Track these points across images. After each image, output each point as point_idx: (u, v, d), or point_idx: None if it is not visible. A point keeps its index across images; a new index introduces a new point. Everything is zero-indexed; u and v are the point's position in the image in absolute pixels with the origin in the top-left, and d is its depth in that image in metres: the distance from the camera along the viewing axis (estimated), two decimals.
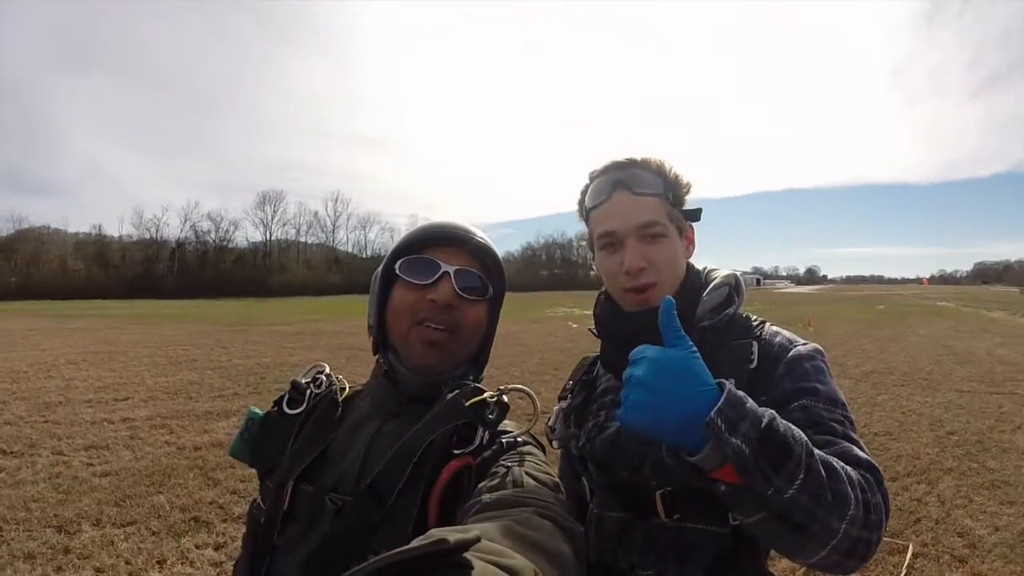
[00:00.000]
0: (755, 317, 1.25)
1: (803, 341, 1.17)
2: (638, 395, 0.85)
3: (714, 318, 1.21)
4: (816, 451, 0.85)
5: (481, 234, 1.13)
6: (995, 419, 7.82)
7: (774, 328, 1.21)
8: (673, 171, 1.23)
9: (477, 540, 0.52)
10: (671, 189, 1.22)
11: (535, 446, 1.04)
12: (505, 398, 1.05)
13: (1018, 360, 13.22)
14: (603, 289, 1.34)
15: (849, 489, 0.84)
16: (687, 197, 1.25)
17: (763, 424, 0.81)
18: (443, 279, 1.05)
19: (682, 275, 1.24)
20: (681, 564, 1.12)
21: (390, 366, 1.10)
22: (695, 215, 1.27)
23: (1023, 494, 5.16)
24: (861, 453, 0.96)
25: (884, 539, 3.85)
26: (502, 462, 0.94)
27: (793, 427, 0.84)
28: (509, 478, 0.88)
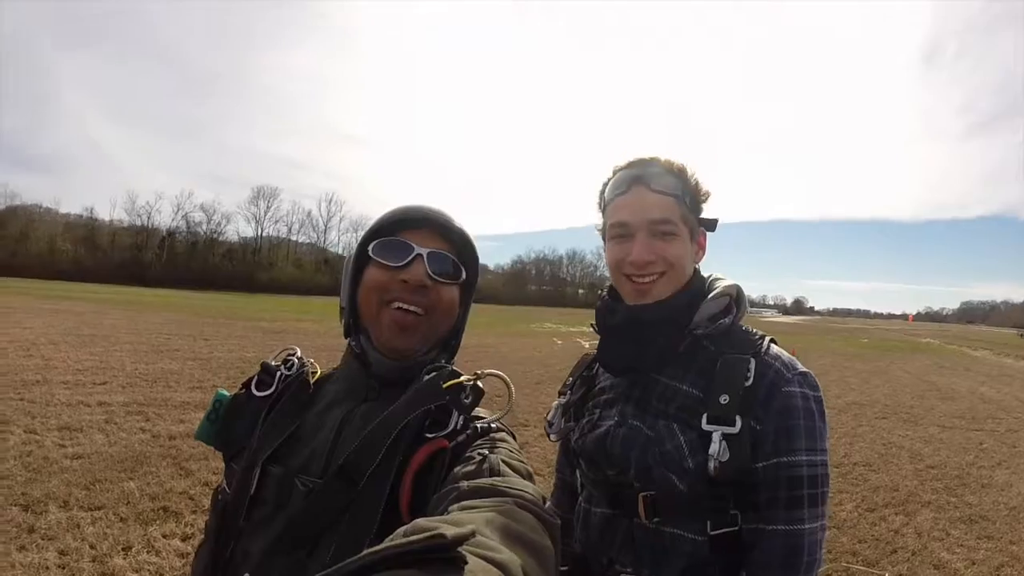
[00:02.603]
0: (757, 332, 1.24)
1: (801, 369, 1.16)
2: None
3: (709, 326, 1.21)
4: None
5: (456, 218, 1.11)
6: (975, 455, 7.86)
7: (775, 349, 1.20)
8: (694, 177, 1.24)
9: (472, 535, 0.53)
10: (689, 193, 1.23)
11: (508, 433, 1.03)
12: (480, 383, 1.04)
13: (1000, 399, 13.33)
14: (607, 285, 1.36)
15: None
16: (705, 205, 1.27)
17: None
18: (416, 261, 1.03)
19: (687, 277, 1.25)
20: (656, 565, 1.15)
21: (361, 349, 1.08)
22: (711, 224, 1.29)
23: (1001, 529, 5.18)
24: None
25: (861, 569, 3.84)
26: (476, 448, 0.93)
27: None
28: (486, 465, 0.87)
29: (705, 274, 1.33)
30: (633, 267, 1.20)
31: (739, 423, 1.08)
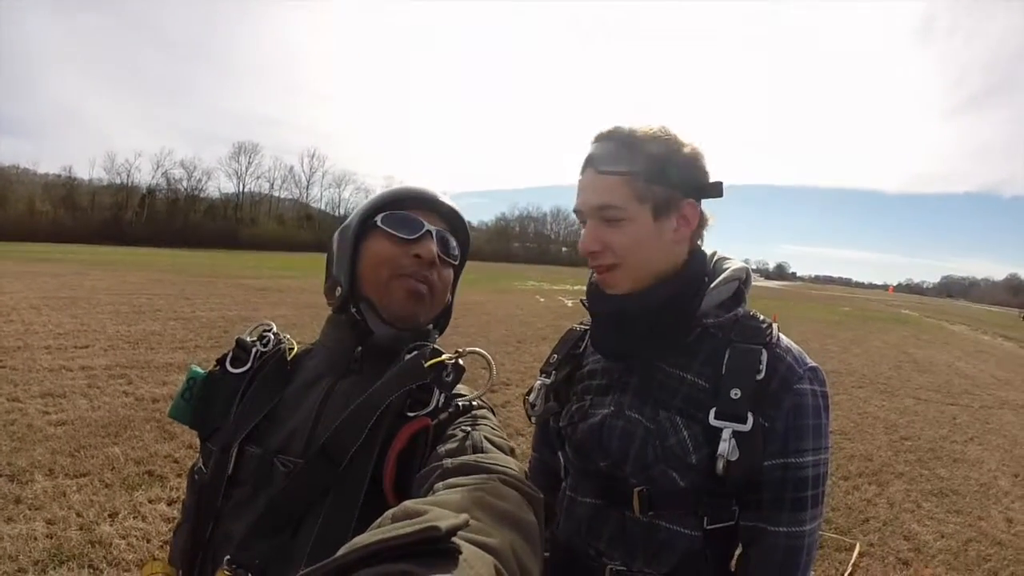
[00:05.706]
0: (762, 317, 1.15)
1: (811, 364, 1.11)
2: None
3: (721, 315, 1.13)
4: None
5: (452, 202, 1.14)
6: (949, 429, 8.02)
7: (785, 341, 1.12)
8: (665, 140, 1.09)
9: (466, 524, 0.53)
10: (648, 163, 1.08)
11: (488, 410, 1.03)
12: (462, 361, 1.03)
13: (976, 374, 13.56)
14: None
15: None
16: (694, 168, 1.12)
17: None
18: (426, 236, 1.05)
19: (661, 260, 1.13)
20: (649, 560, 1.12)
21: (363, 317, 1.05)
22: (699, 191, 1.13)
23: (970, 504, 5.31)
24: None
25: (832, 536, 3.92)
26: (458, 425, 0.94)
27: None
28: (468, 442, 0.87)
29: (708, 252, 1.22)
30: (584, 256, 1.14)
31: (751, 420, 1.03)
